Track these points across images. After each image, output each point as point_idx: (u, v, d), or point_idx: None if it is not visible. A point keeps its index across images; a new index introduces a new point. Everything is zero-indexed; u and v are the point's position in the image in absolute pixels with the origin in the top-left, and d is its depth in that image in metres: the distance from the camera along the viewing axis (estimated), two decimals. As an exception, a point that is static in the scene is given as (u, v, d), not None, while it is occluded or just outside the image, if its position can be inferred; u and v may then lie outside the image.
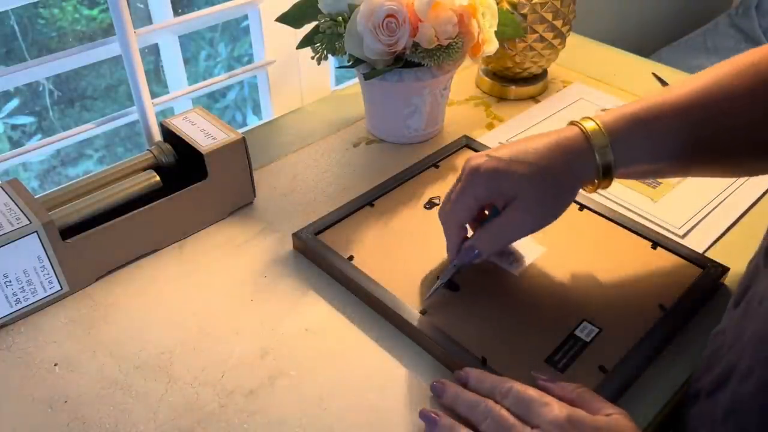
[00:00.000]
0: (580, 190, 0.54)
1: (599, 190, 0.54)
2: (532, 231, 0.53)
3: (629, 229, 0.62)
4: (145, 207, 0.59)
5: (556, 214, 0.52)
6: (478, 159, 0.52)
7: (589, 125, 0.51)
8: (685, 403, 0.47)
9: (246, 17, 0.88)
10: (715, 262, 0.58)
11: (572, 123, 0.53)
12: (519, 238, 0.53)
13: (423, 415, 0.46)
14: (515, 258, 0.59)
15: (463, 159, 0.72)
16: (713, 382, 0.41)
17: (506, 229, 0.52)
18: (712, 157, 0.53)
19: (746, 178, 0.71)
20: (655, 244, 0.60)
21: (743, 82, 0.50)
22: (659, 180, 0.70)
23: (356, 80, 0.89)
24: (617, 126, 0.51)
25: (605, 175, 0.52)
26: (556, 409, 0.43)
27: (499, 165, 0.51)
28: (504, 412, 0.44)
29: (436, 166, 0.72)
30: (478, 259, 0.53)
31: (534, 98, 0.86)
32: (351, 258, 0.59)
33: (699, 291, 0.56)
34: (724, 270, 0.57)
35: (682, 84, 0.53)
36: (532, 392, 0.44)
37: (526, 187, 0.50)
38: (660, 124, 0.51)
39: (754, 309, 0.39)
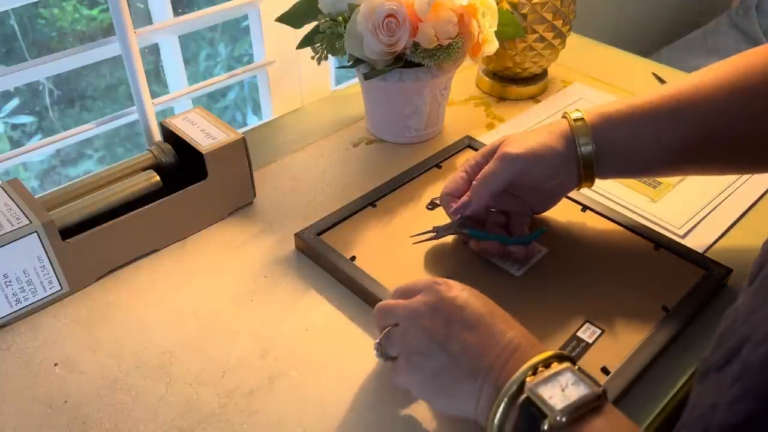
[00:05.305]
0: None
1: (594, 188, 0.54)
2: (516, 170, 0.55)
3: (632, 230, 0.62)
4: (145, 207, 0.59)
5: (540, 159, 0.55)
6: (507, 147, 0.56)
7: (575, 115, 0.55)
8: (692, 386, 0.46)
9: (246, 17, 0.88)
10: (719, 263, 0.58)
11: (564, 115, 0.57)
12: (505, 179, 0.55)
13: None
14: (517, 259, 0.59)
15: (465, 160, 0.72)
16: (724, 356, 0.40)
17: (491, 173, 0.55)
18: (703, 156, 0.55)
19: (747, 177, 0.70)
20: (657, 245, 0.60)
21: (737, 83, 0.52)
22: (659, 180, 0.70)
23: (356, 80, 0.89)
24: (602, 122, 0.54)
25: (586, 167, 0.55)
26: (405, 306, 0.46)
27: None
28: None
29: (438, 167, 0.71)
30: (469, 210, 0.56)
31: (534, 98, 0.86)
32: (353, 258, 0.59)
33: (702, 292, 0.55)
34: (728, 271, 0.57)
35: (678, 82, 0.55)
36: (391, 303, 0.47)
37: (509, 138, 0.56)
38: (646, 123, 0.54)
39: None
